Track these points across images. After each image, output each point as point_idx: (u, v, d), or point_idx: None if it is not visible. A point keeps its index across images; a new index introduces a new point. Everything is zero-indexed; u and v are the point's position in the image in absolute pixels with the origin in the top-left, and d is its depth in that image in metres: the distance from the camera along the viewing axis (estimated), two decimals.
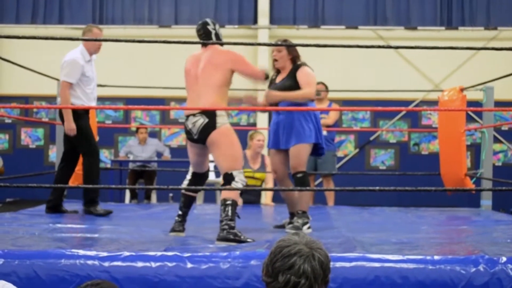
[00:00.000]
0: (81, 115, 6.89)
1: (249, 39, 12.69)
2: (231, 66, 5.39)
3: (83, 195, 7.09)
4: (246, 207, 8.10)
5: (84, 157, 7.03)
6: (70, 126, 6.80)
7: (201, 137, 5.38)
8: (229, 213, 5.25)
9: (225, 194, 5.34)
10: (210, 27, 5.57)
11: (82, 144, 6.95)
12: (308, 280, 2.58)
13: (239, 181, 5.33)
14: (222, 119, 5.35)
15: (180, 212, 5.63)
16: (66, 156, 7.12)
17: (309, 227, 5.90)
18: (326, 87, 9.41)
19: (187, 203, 5.66)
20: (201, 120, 5.33)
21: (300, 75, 5.97)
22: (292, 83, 5.96)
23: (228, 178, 5.34)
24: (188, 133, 5.45)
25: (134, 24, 12.96)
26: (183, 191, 5.68)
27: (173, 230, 5.57)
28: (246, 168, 8.17)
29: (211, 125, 5.32)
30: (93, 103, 7.05)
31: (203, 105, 5.34)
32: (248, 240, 5.17)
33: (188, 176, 5.74)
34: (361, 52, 12.37)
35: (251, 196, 8.81)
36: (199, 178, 5.69)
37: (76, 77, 6.82)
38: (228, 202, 5.28)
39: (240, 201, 7.39)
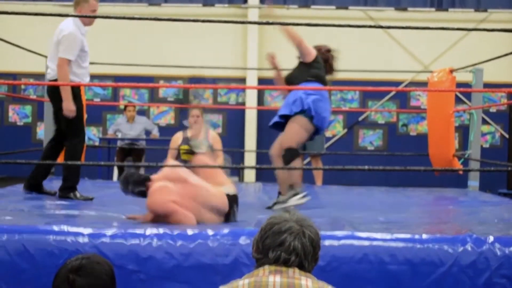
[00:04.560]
0: (76, 94, 6.31)
1: (239, 18, 12.64)
2: None
3: (63, 179, 6.45)
4: None
5: (69, 138, 6.40)
6: (70, 107, 6.19)
7: None
8: None
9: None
10: None
11: (71, 124, 6.33)
12: (298, 257, 2.60)
13: None
14: None
15: None
16: (58, 134, 6.55)
17: (301, 198, 5.91)
18: None
19: None
20: None
21: None
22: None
23: None
24: None
25: (123, 2, 12.87)
26: None
27: None
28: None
29: None
30: (88, 80, 6.47)
31: None
32: None
33: None
34: (351, 32, 12.33)
35: None
36: None
37: (75, 53, 6.21)
38: None
39: None
